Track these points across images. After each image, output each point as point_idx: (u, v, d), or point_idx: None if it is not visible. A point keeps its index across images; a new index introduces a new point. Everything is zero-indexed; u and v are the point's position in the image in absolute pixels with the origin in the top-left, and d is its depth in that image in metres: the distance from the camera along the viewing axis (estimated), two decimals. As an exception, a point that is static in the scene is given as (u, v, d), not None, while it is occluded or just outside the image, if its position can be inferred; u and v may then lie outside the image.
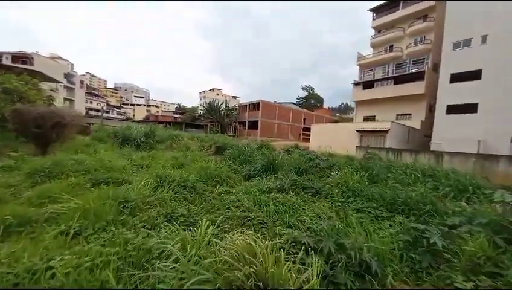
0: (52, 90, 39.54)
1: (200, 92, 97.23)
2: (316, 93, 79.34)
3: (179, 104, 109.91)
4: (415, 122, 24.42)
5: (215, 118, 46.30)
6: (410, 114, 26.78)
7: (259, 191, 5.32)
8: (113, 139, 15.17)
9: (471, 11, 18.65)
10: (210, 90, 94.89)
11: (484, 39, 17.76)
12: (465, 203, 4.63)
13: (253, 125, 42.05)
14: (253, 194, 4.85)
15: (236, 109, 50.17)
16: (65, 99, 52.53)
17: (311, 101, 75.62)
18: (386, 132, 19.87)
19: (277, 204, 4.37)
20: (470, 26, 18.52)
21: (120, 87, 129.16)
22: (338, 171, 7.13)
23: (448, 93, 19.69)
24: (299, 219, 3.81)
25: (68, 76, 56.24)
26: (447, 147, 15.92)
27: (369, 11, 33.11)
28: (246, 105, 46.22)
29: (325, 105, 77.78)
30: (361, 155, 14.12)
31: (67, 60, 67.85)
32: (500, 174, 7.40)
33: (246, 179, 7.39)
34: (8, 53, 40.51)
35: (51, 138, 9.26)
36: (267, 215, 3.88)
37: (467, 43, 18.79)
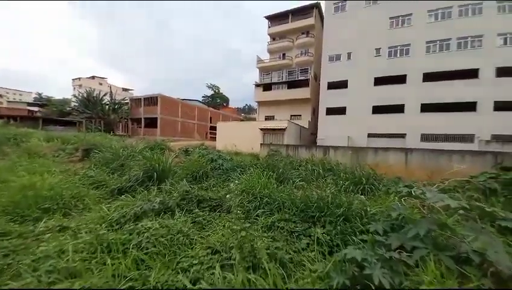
0: None
1: (74, 80, 75.74)
2: (222, 93, 79.81)
3: (39, 94, 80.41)
4: (304, 122, 28.29)
5: (95, 113, 36.50)
6: (300, 115, 30.90)
7: (121, 219, 3.25)
8: None
9: (341, 31, 23.30)
10: (89, 77, 75.74)
11: (349, 55, 22.65)
12: (362, 196, 4.50)
13: (151, 123, 36.24)
14: (102, 229, 2.75)
15: (127, 103, 41.74)
16: None
17: (217, 100, 75.14)
18: (284, 130, 21.60)
19: (145, 242, 2.52)
20: (339, 44, 23.12)
21: None
22: (243, 172, 6.01)
23: (327, 98, 23.86)
24: (179, 268, 2.16)
25: None
26: (329, 142, 19.02)
27: (265, 18, 35.71)
28: (140, 99, 39.20)
29: (231, 106, 79.56)
30: (265, 152, 14.20)
31: None
32: (371, 164, 8.78)
33: (115, 195, 4.93)
34: None
35: None
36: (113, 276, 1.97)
37: (338, 57, 23.39)
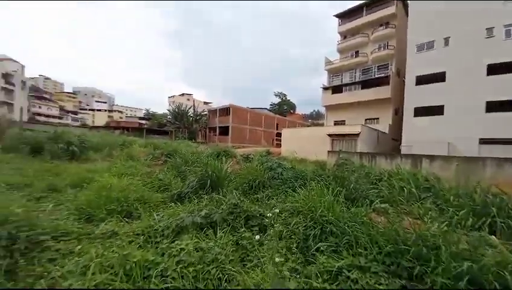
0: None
1: (169, 97, 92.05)
2: (289, 100, 79.64)
3: (147, 110, 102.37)
4: (383, 126, 24.19)
5: (182, 124, 42.97)
6: (378, 118, 26.69)
7: (165, 230, 3.01)
8: (23, 147, 11.63)
9: (433, 12, 18.80)
10: (180, 95, 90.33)
11: (447, 41, 17.89)
12: (495, 238, 2.83)
13: (224, 131, 39.59)
14: (139, 242, 2.52)
15: (206, 114, 47.29)
16: (2, 102, 44.90)
17: (284, 107, 75.51)
18: (357, 135, 18.95)
19: (172, 270, 2.08)
20: (432, 28, 18.64)
21: (79, 91, 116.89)
22: (303, 184, 5.10)
23: (415, 96, 19.52)
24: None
25: (7, 76, 48.44)
26: (418, 150, 15.25)
27: (334, 17, 33.28)
28: (216, 110, 43.67)
29: (298, 112, 78.23)
30: (333, 160, 12.58)
31: (18, 62, 58.83)
32: (492, 182, 6.09)
33: (173, 200, 5.00)
34: None
35: None
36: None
37: (430, 45, 18.86)
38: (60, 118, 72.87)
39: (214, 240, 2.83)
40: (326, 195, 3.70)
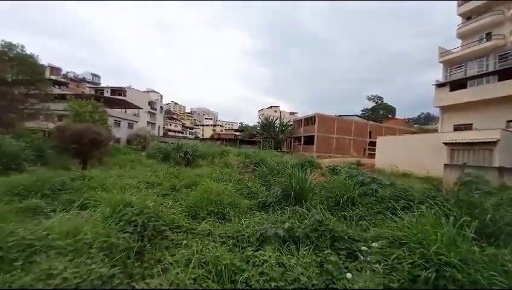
0: (134, 114, 47.77)
1: (259, 110, 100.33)
2: (386, 103, 68.89)
3: (241, 123, 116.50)
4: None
5: (269, 134, 45.53)
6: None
7: (250, 237, 3.20)
8: (158, 155, 15.67)
9: None
10: (268, 107, 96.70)
11: None
12: None
13: (309, 140, 38.85)
14: (227, 246, 2.78)
15: (291, 124, 48.19)
16: (148, 122, 62.51)
17: (379, 112, 65.97)
18: (494, 143, 13.84)
19: (255, 281, 2.16)
20: None
21: (195, 111, 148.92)
22: (408, 207, 4.15)
23: None
24: None
25: (152, 103, 67.29)
26: None
27: (442, 1, 26.41)
28: (301, 120, 43.68)
29: (399, 116, 66.12)
30: (453, 177, 9.63)
31: (158, 92, 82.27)
32: None
33: (259, 208, 5.28)
34: (108, 87, 51.74)
35: (88, 153, 9.65)
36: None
37: None
38: (182, 132, 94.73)
39: (296, 256, 2.73)
40: (445, 226, 2.83)
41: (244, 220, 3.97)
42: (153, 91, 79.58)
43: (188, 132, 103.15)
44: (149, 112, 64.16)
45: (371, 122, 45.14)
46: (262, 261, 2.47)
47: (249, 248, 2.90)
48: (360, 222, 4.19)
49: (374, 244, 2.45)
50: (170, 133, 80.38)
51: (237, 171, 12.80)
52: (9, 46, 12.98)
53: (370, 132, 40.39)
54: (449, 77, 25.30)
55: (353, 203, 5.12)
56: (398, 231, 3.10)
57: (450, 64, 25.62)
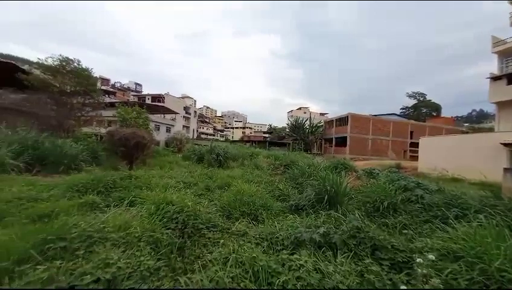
0: (172, 119, 51.16)
1: (288, 112, 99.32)
2: (430, 100, 62.44)
3: (270, 125, 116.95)
4: None
5: (299, 136, 44.71)
6: None
7: (284, 240, 3.18)
8: (193, 157, 16.51)
9: None
10: (297, 109, 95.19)
11: None
12: None
13: (341, 142, 37.13)
14: (262, 248, 2.79)
15: (322, 125, 46.68)
16: (183, 126, 66.44)
17: (421, 110, 60.10)
18: None
19: (292, 285, 2.14)
20: None
21: (225, 114, 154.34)
22: (462, 216, 3.69)
23: None
24: None
25: (186, 108, 71.37)
26: None
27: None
28: (333, 120, 42.00)
29: (445, 114, 59.30)
30: (518, 184, 8.25)
31: (192, 98, 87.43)
32: None
33: (292, 211, 5.22)
34: (149, 95, 56.39)
35: (134, 155, 10.63)
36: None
37: None
38: (213, 135, 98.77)
39: (334, 264, 2.63)
40: (508, 239, 2.46)
41: (277, 223, 3.96)
42: (188, 97, 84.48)
43: (218, 135, 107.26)
44: (184, 117, 68.11)
45: (412, 121, 41.34)
46: (298, 265, 2.43)
47: (284, 251, 2.87)
48: (404, 231, 3.85)
49: (430, 256, 2.21)
50: (202, 136, 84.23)
51: (267, 173, 12.83)
52: (68, 60, 15.04)
53: (411, 132, 37.00)
54: (505, 69, 21.91)
55: (395, 210, 4.74)
56: (451, 242, 2.78)
57: (505, 54, 22.18)
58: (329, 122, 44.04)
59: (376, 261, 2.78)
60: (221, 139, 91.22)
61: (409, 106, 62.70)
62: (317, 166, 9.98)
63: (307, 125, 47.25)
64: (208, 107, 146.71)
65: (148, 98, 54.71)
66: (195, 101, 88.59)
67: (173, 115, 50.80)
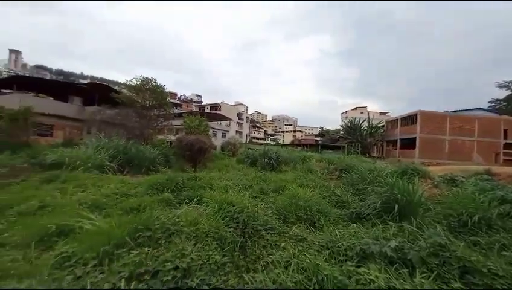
0: (226, 125, 54.77)
1: (342, 113, 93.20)
2: (534, 89, 48.20)
3: (321, 128, 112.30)
4: None
5: (355, 138, 41.24)
6: None
7: (348, 251, 2.98)
8: (246, 160, 17.23)
9: None
10: (353, 109, 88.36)
11: None
12: None
13: (408, 143, 32.46)
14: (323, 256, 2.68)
15: (383, 125, 41.93)
16: (236, 131, 70.21)
17: (521, 102, 47.01)
18: None
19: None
20: None
21: (275, 119, 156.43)
22: None
23: None
24: None
25: (239, 115, 75.27)
26: None
27: None
28: (397, 120, 37.21)
29: None
30: None
31: (244, 104, 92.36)
32: None
33: (352, 218, 4.85)
34: (208, 104, 62.09)
35: (197, 158, 11.84)
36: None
37: None
38: (264, 139, 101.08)
39: (410, 283, 2.32)
40: None
41: (338, 231, 3.74)
42: (240, 104, 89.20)
43: (269, 139, 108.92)
44: (237, 122, 71.92)
45: (505, 117, 32.83)
46: (368, 280, 2.24)
47: (348, 262, 2.70)
48: (504, 253, 3.10)
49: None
50: (254, 140, 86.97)
51: (321, 177, 12.27)
52: (147, 80, 18.03)
53: (505, 131, 29.49)
54: None
55: (489, 226, 3.86)
56: None
57: None
58: (393, 122, 39.22)
59: (467, 286, 2.32)
60: (272, 143, 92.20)
61: (501, 98, 49.82)
62: (380, 171, 8.99)
63: (364, 126, 43.23)
64: (258, 113, 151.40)
65: (207, 107, 60.19)
66: (247, 107, 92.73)
67: (228, 122, 54.49)
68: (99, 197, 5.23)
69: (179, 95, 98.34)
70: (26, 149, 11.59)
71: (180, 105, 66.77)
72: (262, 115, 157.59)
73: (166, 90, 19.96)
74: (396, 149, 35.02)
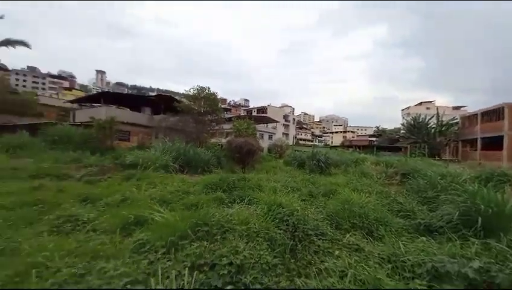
0: (273, 127, 55.18)
1: (403, 110, 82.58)
2: None
3: (377, 127, 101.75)
4: None
5: (420, 137, 35.85)
6: None
7: (417, 268, 2.62)
8: (293, 162, 16.97)
9: None
10: (417, 104, 77.22)
11: None
12: None
13: (492, 143, 26.54)
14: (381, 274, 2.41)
15: (456, 122, 35.32)
16: (283, 133, 70.07)
17: None
18: None
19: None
20: None
21: (323, 119, 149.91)
22: None
23: None
24: None
25: (285, 117, 74.95)
26: None
27: None
28: (476, 115, 30.82)
29: None
30: None
31: (290, 106, 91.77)
32: None
33: (420, 231, 4.24)
34: (255, 108, 63.94)
35: (246, 160, 12.32)
36: None
37: None
38: (311, 140, 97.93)
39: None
40: None
41: (402, 243, 3.32)
42: (287, 106, 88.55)
43: (317, 140, 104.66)
44: (284, 124, 71.65)
45: None
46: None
47: (416, 280, 2.37)
48: None
49: None
50: (301, 142, 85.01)
51: (378, 182, 11.13)
52: (202, 89, 19.84)
53: None
54: None
55: None
56: None
57: None
58: (470, 118, 32.72)
59: None
60: (320, 144, 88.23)
61: None
62: (455, 176, 7.59)
63: (432, 123, 37.23)
64: (305, 114, 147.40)
65: (254, 111, 62.03)
66: (293, 109, 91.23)
67: (274, 124, 54.91)
68: (166, 193, 5.97)
69: (228, 101, 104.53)
70: (111, 152, 14.21)
71: (229, 110, 70.94)
72: (310, 116, 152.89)
73: (218, 97, 21.47)
74: (476, 150, 29.04)
